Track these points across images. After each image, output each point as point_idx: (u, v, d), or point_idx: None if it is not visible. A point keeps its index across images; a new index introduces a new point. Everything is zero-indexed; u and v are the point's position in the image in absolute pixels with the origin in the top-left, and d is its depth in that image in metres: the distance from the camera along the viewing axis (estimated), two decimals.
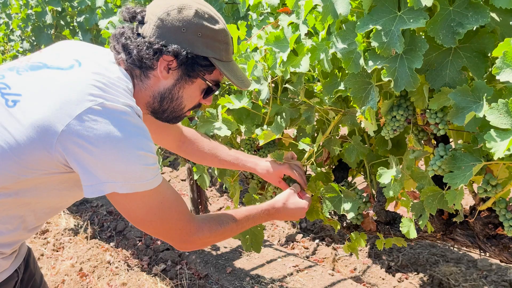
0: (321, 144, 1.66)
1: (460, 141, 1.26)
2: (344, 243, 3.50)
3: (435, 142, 1.26)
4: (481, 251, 1.28)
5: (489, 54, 1.05)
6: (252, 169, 1.60)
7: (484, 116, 0.94)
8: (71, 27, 2.83)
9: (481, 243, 1.24)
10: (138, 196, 1.01)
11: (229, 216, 1.25)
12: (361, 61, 1.11)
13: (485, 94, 0.97)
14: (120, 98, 1.00)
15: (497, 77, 0.90)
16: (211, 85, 1.20)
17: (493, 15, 1.05)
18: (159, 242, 3.58)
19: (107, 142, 0.93)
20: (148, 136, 1.01)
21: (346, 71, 1.29)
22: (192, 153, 1.61)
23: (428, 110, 1.14)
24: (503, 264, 3.18)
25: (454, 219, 1.24)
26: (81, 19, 2.59)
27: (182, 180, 4.89)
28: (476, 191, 1.18)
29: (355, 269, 3.28)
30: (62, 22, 2.79)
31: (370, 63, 1.08)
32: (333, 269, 3.27)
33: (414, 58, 1.04)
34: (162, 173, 4.87)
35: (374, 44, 1.05)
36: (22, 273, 1.20)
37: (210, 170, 2.22)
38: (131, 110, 1.00)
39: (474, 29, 1.05)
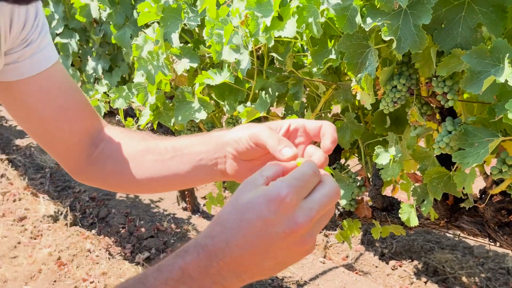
0: None
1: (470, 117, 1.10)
2: (336, 230, 3.36)
3: (440, 117, 1.09)
4: (491, 240, 1.13)
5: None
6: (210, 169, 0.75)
7: (506, 81, 0.78)
8: None
9: (492, 231, 1.09)
10: None
11: None
12: (358, 19, 0.94)
13: (507, 55, 0.81)
14: None
15: None
16: None
17: None
18: (143, 229, 3.43)
19: None
20: None
21: (341, 32, 1.11)
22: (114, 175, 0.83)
23: (434, 78, 0.97)
24: (500, 250, 3.06)
25: (462, 205, 1.08)
26: None
27: None
28: (487, 173, 1.02)
29: (347, 257, 3.15)
30: None
31: (369, 20, 0.91)
32: (324, 257, 3.13)
33: (421, 13, 0.87)
34: None
35: None
36: None
37: None
38: None
39: None
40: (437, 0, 0.85)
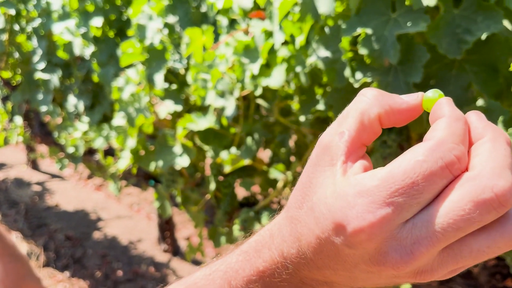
0: (298, 172, 1.44)
1: None
2: None
3: None
4: None
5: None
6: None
7: None
8: (27, 33, 2.57)
9: None
10: None
11: None
12: (347, 73, 0.91)
13: (500, 118, 0.78)
14: None
15: None
16: None
17: (506, 23, 0.87)
18: (120, 273, 3.27)
19: None
20: None
21: (327, 88, 1.09)
22: None
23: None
24: None
25: None
26: (36, 23, 2.34)
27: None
28: None
29: None
30: (16, 27, 2.53)
31: (358, 75, 0.88)
32: None
33: (412, 71, 0.84)
34: (129, 194, 4.57)
35: (363, 51, 0.84)
36: None
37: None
38: None
39: (484, 38, 0.87)
40: (428, 58, 0.83)
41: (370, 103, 0.37)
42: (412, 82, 0.84)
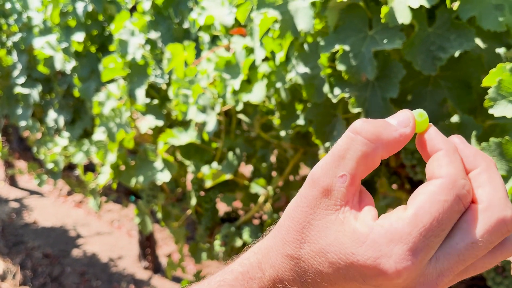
0: (279, 186, 1.44)
1: None
2: None
3: (410, 187, 1.07)
4: None
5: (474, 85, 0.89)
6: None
7: None
8: (7, 47, 2.54)
9: None
10: None
11: None
12: (326, 88, 0.92)
13: (474, 132, 0.80)
14: None
15: (490, 111, 0.73)
16: None
17: (477, 41, 0.90)
18: None
19: None
20: None
21: (308, 104, 1.10)
22: None
23: (403, 150, 0.96)
24: None
25: None
26: (17, 38, 2.32)
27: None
28: None
29: None
30: None
31: (336, 91, 0.89)
32: None
33: (389, 86, 0.86)
34: (109, 210, 4.49)
35: (341, 68, 0.86)
36: None
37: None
38: None
39: (457, 55, 0.89)
40: (404, 75, 0.85)
41: (371, 146, 0.37)
42: (389, 98, 0.86)
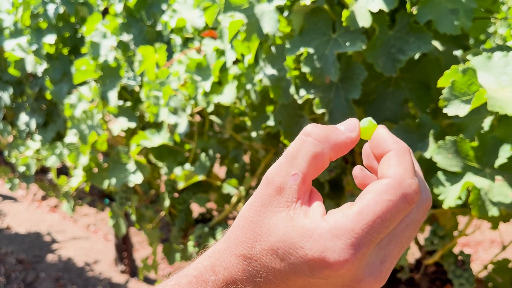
0: (252, 187, 1.46)
1: None
2: None
3: None
4: None
5: (432, 86, 0.93)
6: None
7: (431, 157, 0.80)
8: None
9: None
10: None
11: None
12: (292, 90, 0.94)
13: (432, 131, 0.83)
14: None
15: (444, 110, 0.77)
16: None
17: (436, 43, 0.94)
18: None
19: None
20: None
21: (278, 105, 1.12)
22: None
23: None
24: None
25: (398, 275, 1.07)
26: None
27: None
28: (421, 242, 1.03)
29: None
30: None
31: (302, 92, 0.92)
32: None
33: (351, 88, 0.89)
34: (85, 215, 4.43)
35: (306, 69, 0.89)
36: None
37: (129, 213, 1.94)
38: None
39: (417, 57, 0.93)
40: (365, 76, 0.88)
41: (320, 146, 0.40)
42: (352, 98, 0.89)
